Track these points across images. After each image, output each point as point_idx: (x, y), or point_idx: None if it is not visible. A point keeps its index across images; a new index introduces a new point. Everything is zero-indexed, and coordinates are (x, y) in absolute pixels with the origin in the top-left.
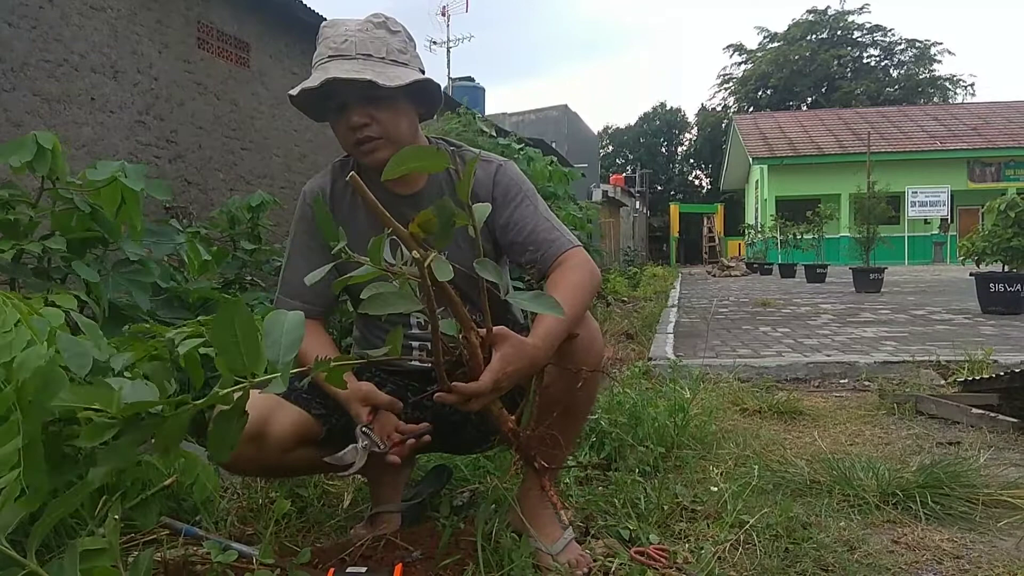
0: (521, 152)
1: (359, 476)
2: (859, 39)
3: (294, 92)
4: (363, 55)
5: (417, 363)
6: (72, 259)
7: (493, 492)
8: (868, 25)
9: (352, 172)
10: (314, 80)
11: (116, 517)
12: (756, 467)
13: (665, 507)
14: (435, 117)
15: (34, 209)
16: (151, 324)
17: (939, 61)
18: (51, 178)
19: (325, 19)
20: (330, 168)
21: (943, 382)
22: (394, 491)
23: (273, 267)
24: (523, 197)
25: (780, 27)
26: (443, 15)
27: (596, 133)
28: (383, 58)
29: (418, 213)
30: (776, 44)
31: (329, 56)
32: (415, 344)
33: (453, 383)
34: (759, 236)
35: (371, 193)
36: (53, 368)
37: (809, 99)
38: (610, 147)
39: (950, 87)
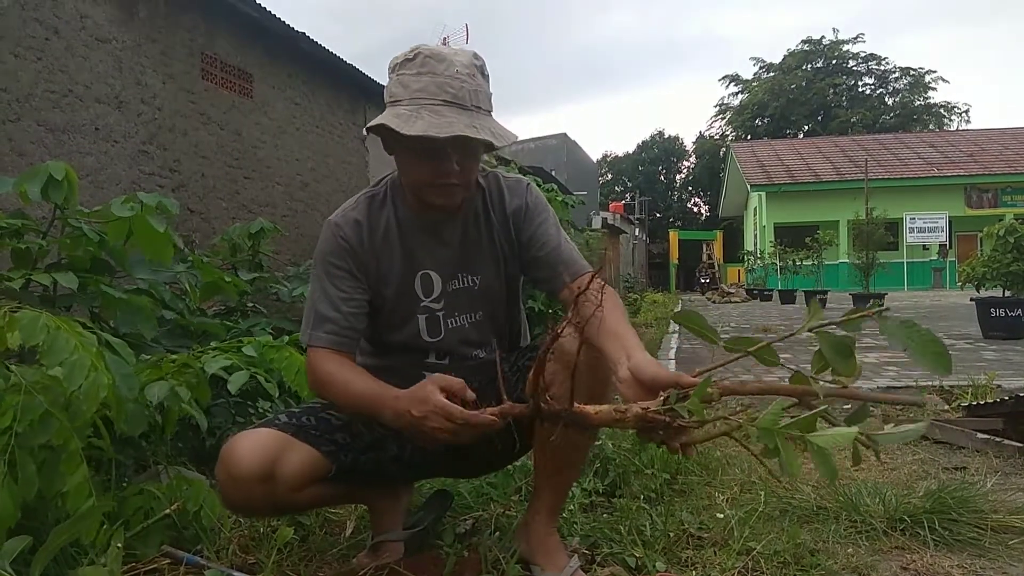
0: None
1: (360, 504)
2: (854, 68)
3: (412, 132)
4: (475, 107)
5: None
6: (93, 281)
7: (497, 519)
8: (863, 54)
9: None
10: (440, 130)
11: (119, 546)
12: (762, 493)
13: (671, 534)
14: None
15: (44, 238)
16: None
17: (934, 89)
18: (64, 207)
19: (328, 51)
20: (362, 202)
21: (947, 407)
22: (395, 518)
23: (271, 293)
24: (548, 216)
25: (776, 58)
26: (443, 45)
27: (595, 161)
28: (487, 110)
29: (452, 235)
30: (772, 74)
31: (444, 101)
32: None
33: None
34: (758, 262)
35: (407, 218)
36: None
37: (805, 127)
38: (609, 175)
39: (945, 114)
